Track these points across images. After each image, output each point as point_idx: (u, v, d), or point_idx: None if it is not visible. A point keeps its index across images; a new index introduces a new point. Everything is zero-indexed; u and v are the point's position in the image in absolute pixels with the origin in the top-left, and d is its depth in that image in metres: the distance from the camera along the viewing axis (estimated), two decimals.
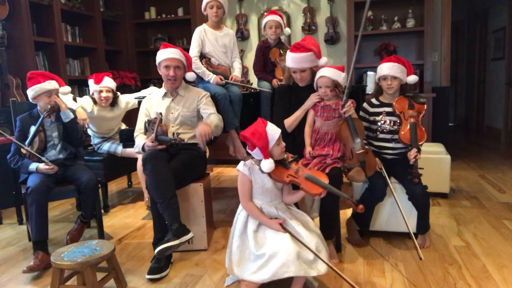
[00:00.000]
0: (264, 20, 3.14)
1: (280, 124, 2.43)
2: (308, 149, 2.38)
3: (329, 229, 2.35)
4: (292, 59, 2.40)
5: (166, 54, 2.53)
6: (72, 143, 2.74)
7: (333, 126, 2.36)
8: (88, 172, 2.67)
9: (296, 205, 2.19)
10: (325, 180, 1.93)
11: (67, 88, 2.74)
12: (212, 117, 2.57)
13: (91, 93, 3.29)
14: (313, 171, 2.01)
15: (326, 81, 2.30)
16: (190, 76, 2.67)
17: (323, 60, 2.44)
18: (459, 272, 2.15)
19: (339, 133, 2.32)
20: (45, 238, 2.43)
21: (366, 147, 2.39)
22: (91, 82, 3.26)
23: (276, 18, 3.08)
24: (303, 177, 1.93)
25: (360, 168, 2.33)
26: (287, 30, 3.21)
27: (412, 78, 2.47)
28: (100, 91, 3.23)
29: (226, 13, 3.12)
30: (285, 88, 2.60)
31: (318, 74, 2.35)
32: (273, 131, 1.91)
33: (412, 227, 2.39)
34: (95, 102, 3.29)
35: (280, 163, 1.96)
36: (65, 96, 2.90)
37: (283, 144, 1.96)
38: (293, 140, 2.48)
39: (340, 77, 2.30)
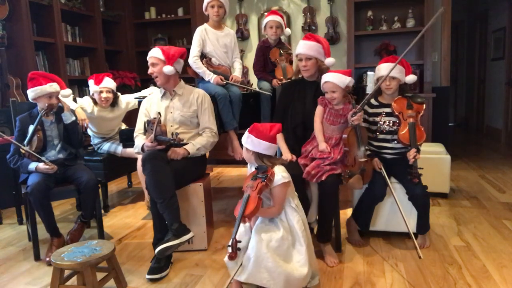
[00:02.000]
0: (265, 20, 3.14)
1: (278, 120, 2.49)
2: (322, 145, 2.31)
3: (325, 233, 2.37)
4: (301, 45, 2.48)
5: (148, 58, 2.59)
6: (72, 145, 2.74)
7: (337, 131, 2.35)
8: (88, 172, 2.67)
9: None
10: (248, 211, 1.80)
11: (68, 91, 2.74)
12: (202, 136, 2.61)
13: (91, 93, 3.29)
14: (253, 198, 1.82)
15: (331, 87, 2.30)
16: (166, 69, 2.51)
17: (331, 60, 2.46)
18: (459, 272, 2.15)
19: (346, 138, 2.31)
20: (55, 226, 2.59)
21: (368, 155, 2.42)
22: (91, 82, 3.26)
23: (277, 18, 3.07)
24: (244, 195, 1.86)
25: (360, 176, 2.35)
26: (287, 30, 3.21)
27: (411, 78, 2.46)
28: (100, 92, 3.23)
29: (227, 13, 3.12)
30: (289, 84, 2.65)
31: (323, 79, 2.35)
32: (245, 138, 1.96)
33: (412, 227, 2.39)
34: (95, 102, 3.28)
35: (256, 172, 1.93)
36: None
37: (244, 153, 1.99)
38: (293, 133, 2.49)
39: (345, 82, 2.29)
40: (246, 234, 1.94)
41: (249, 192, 1.84)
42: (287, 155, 2.35)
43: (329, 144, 2.35)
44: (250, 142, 1.93)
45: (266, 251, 1.82)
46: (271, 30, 3.10)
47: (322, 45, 2.45)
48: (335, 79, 2.28)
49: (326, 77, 2.32)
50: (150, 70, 2.57)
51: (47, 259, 2.45)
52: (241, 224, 1.97)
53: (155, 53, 2.55)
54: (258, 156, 1.95)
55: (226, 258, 1.93)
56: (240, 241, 1.75)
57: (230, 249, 1.70)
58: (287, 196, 1.95)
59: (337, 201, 2.39)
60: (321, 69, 2.47)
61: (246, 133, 1.96)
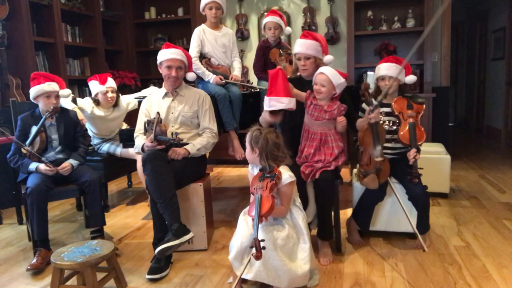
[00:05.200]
0: (264, 21, 3.14)
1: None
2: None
3: (326, 231, 2.38)
4: (299, 44, 2.44)
5: (168, 55, 2.54)
6: (73, 147, 2.75)
7: (322, 127, 2.34)
8: (91, 171, 2.67)
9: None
10: (264, 210, 1.80)
11: (67, 91, 2.72)
12: (202, 137, 2.61)
13: (94, 94, 3.27)
14: (266, 197, 1.85)
15: (324, 79, 2.27)
16: (190, 76, 2.68)
17: (329, 57, 2.44)
18: (459, 272, 2.15)
19: (362, 137, 2.29)
20: (46, 236, 2.48)
21: (384, 155, 2.37)
22: (95, 83, 3.23)
23: (275, 19, 3.07)
24: (255, 196, 1.89)
25: (375, 175, 2.32)
26: (287, 29, 3.19)
27: (411, 78, 2.46)
28: (106, 92, 3.22)
29: (225, 13, 3.11)
30: (289, 80, 2.60)
31: (318, 70, 2.33)
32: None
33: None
34: (97, 103, 3.27)
35: (262, 173, 1.94)
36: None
37: (252, 153, 1.99)
38: (291, 134, 2.47)
39: (339, 81, 2.27)
40: (250, 234, 1.94)
41: (260, 192, 1.85)
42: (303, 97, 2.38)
43: (313, 140, 2.34)
44: (281, 102, 2.00)
45: (272, 250, 1.83)
46: (270, 31, 3.11)
47: (320, 43, 2.43)
48: (330, 73, 2.26)
49: (322, 69, 2.31)
50: (173, 73, 2.53)
51: (28, 267, 2.33)
52: (244, 224, 1.98)
53: (181, 56, 2.56)
54: (263, 157, 1.96)
55: (231, 256, 1.96)
56: (263, 240, 1.75)
57: (254, 250, 1.70)
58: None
59: (333, 197, 2.37)
60: (320, 67, 2.44)
61: (269, 99, 2.01)
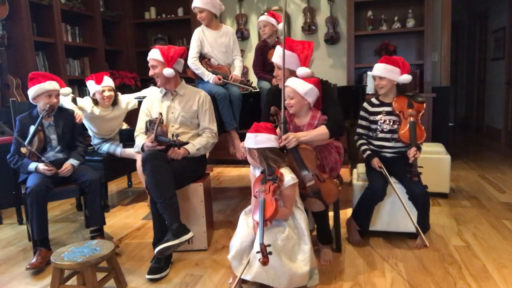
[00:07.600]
0: None
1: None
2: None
3: (325, 236, 2.38)
4: (275, 53, 2.30)
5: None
6: (72, 146, 2.75)
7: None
8: (91, 171, 2.67)
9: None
10: (268, 214, 1.79)
11: (68, 90, 2.73)
12: (202, 137, 2.60)
13: (91, 94, 3.28)
14: (269, 201, 1.83)
15: (289, 91, 2.12)
16: (166, 72, 2.49)
17: (302, 70, 2.18)
18: (459, 272, 2.15)
19: (289, 161, 2.08)
20: (46, 236, 2.48)
21: (324, 176, 2.15)
22: (91, 83, 3.24)
23: (263, 18, 3.08)
24: (257, 200, 1.88)
25: (315, 198, 2.14)
26: (280, 25, 3.17)
27: (404, 78, 2.43)
28: (103, 91, 3.22)
29: (217, 12, 3.05)
30: (275, 88, 2.47)
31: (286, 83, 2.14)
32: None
33: (412, 227, 2.39)
34: (96, 103, 3.28)
35: (264, 176, 1.94)
36: (64, 97, 2.90)
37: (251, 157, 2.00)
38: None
39: (305, 88, 2.10)
40: (250, 234, 1.94)
41: (263, 196, 1.85)
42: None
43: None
44: (260, 140, 1.94)
45: (272, 250, 1.83)
46: (260, 30, 3.15)
47: (296, 55, 2.21)
48: (293, 84, 2.12)
49: (287, 82, 2.14)
50: (150, 72, 2.56)
51: (28, 266, 2.33)
52: (245, 224, 1.99)
53: (154, 55, 2.53)
54: (264, 159, 1.95)
55: (230, 255, 1.96)
56: (269, 245, 1.74)
57: (260, 255, 1.69)
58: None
59: (328, 209, 2.34)
60: None
61: (251, 135, 1.94)
